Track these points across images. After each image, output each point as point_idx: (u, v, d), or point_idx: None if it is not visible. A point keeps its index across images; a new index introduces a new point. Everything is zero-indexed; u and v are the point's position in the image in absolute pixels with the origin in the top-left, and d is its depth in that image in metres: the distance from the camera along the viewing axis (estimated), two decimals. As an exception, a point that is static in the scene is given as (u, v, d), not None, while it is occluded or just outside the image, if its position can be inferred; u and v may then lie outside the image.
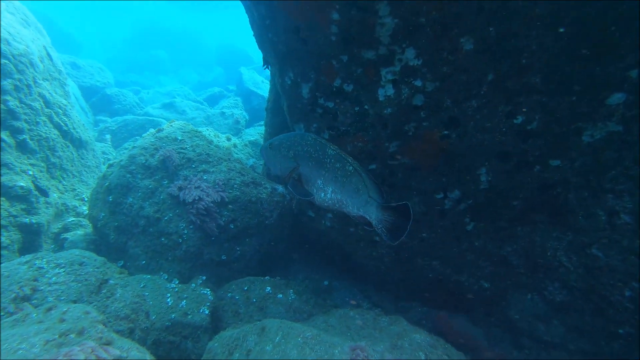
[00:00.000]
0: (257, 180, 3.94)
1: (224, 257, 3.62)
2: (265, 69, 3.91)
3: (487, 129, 2.99)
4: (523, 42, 2.56)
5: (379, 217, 2.55)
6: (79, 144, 5.34)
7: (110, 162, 4.14)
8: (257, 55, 21.94)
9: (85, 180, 5.19)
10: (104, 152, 6.96)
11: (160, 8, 26.83)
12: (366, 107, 3.22)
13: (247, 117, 9.60)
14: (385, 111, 3.14)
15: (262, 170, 5.08)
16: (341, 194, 2.61)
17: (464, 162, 3.22)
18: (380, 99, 3.12)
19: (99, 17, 31.30)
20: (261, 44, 3.38)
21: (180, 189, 3.72)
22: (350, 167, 2.55)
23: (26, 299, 2.48)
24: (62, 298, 2.58)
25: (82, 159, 5.36)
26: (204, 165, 3.94)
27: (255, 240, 3.77)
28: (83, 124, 5.71)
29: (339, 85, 3.20)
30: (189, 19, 27.62)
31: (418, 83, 2.94)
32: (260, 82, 11.58)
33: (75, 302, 2.57)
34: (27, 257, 2.87)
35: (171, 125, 4.50)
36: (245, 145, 6.74)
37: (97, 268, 2.93)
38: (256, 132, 7.99)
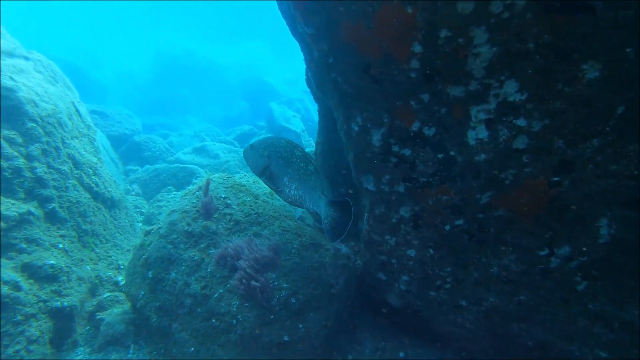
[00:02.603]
0: (316, 240, 3.43)
1: (286, 338, 3.08)
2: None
3: (612, 172, 2.41)
4: (677, 63, 2.00)
5: (326, 212, 2.83)
6: (111, 203, 4.96)
7: (148, 229, 3.70)
8: (283, 87, 21.79)
9: (119, 243, 4.78)
10: (136, 206, 6.60)
11: (181, 45, 27.17)
12: (452, 153, 2.69)
13: (281, 156, 9.15)
14: (478, 157, 2.61)
15: (313, 222, 4.57)
16: (302, 190, 2.99)
17: (577, 213, 2.63)
18: (471, 143, 2.60)
19: (122, 61, 32.04)
20: (321, 86, 2.93)
21: (223, 256, 3.23)
22: (312, 167, 2.96)
23: None
24: None
25: (115, 219, 4.96)
26: (254, 228, 3.46)
27: (320, 315, 3.22)
28: (114, 181, 5.35)
29: (418, 129, 2.70)
30: (210, 54, 27.81)
31: (521, 122, 2.40)
32: (291, 117, 11.23)
33: None
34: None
35: (211, 180, 4.05)
36: (286, 189, 6.26)
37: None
38: (294, 172, 7.52)
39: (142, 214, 6.53)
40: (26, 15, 37.46)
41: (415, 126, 2.68)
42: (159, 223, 3.68)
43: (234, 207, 3.60)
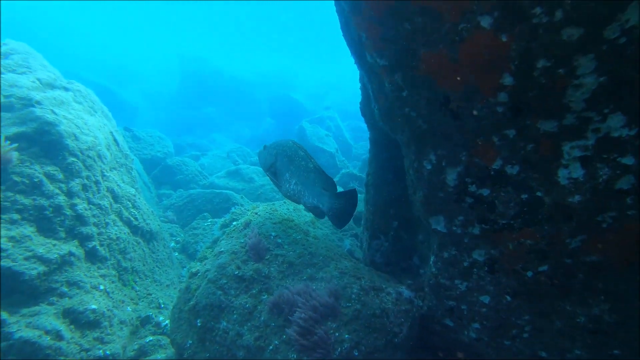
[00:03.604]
0: (376, 284, 3.17)
1: (348, 397, 2.80)
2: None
3: None
4: None
5: (330, 205, 3.15)
6: (149, 236, 4.81)
7: (193, 270, 3.49)
8: (310, 103, 21.67)
9: (158, 278, 4.61)
10: (171, 234, 6.46)
11: (207, 62, 27.39)
12: (539, 193, 2.41)
13: (316, 178, 8.91)
14: (571, 199, 2.31)
15: (364, 256, 4.30)
16: (302, 185, 3.27)
17: (691, 260, 2.30)
18: (562, 182, 2.31)
19: (148, 79, 32.60)
20: (390, 120, 2.70)
21: (277, 303, 2.99)
22: (311, 165, 3.23)
23: None
24: None
25: (153, 252, 4.80)
26: (309, 270, 3.22)
27: (384, 368, 2.94)
28: (152, 212, 5.22)
29: (500, 167, 2.43)
30: (235, 71, 27.93)
31: (628, 160, 2.11)
32: (324, 136, 11.00)
33: None
34: None
35: (257, 214, 3.86)
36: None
37: None
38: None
39: (177, 242, 6.38)
40: (53, 28, 38.67)
41: (496, 164, 2.42)
42: (205, 265, 3.47)
43: (285, 247, 3.37)
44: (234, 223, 3.80)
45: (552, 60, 1.93)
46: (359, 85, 3.57)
